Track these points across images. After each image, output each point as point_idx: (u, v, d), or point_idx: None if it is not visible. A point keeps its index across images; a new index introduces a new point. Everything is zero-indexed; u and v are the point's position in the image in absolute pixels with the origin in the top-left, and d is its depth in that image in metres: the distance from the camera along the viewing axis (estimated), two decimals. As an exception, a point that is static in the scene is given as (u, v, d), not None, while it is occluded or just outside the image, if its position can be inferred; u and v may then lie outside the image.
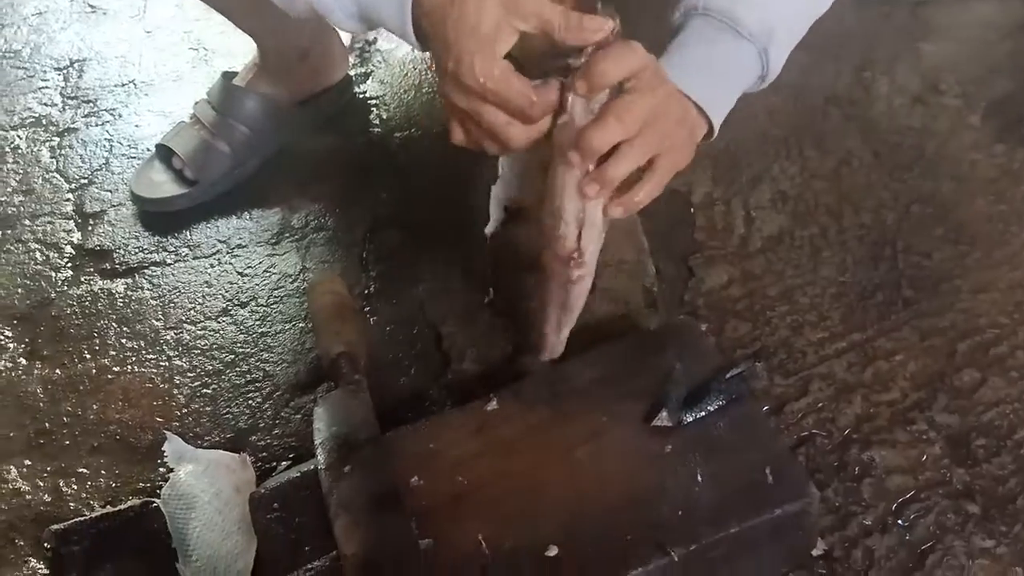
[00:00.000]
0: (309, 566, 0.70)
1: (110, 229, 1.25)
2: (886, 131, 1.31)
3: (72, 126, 1.43)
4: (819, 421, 0.99)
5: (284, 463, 0.95)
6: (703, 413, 0.73)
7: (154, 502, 0.92)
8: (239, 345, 1.09)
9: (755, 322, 1.08)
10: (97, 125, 1.43)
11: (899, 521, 0.90)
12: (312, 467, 0.76)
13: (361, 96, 1.42)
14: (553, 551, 0.67)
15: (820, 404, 1.00)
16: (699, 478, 0.69)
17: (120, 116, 1.45)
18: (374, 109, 1.40)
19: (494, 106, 0.71)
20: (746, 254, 1.16)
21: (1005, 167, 1.25)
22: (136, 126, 1.42)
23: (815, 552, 0.87)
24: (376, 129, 1.37)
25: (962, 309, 1.08)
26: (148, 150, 1.31)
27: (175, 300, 1.15)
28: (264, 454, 0.97)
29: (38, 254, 1.22)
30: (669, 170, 0.76)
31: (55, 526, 0.91)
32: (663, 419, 0.73)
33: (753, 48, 0.82)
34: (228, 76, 1.28)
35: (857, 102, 1.36)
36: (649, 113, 0.72)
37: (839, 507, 0.91)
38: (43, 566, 0.90)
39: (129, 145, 1.39)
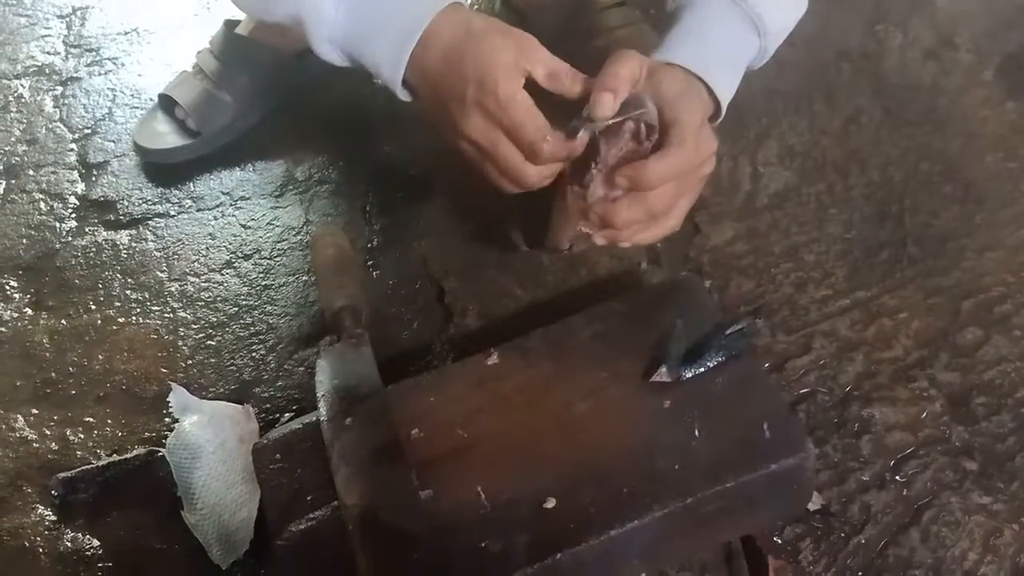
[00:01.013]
0: (311, 516, 0.70)
1: (114, 180, 1.25)
2: (897, 86, 1.29)
3: (75, 75, 1.42)
4: (820, 378, 0.99)
5: (287, 415, 0.96)
6: (703, 369, 0.73)
7: (159, 451, 0.93)
8: (243, 297, 1.09)
9: (759, 279, 1.08)
10: (100, 74, 1.42)
11: (897, 477, 0.91)
12: (314, 419, 0.77)
13: (365, 47, 1.40)
14: (551, 503, 0.68)
15: (822, 361, 1.00)
16: (696, 433, 0.70)
17: (123, 65, 1.43)
18: (378, 60, 1.38)
19: (509, 140, 0.73)
20: (752, 211, 1.15)
21: (1015, 124, 1.23)
22: (139, 75, 1.41)
23: (812, 507, 0.88)
24: (379, 81, 1.35)
25: (967, 268, 1.08)
26: (151, 100, 1.30)
27: (179, 252, 1.15)
28: (268, 406, 0.98)
29: (42, 204, 1.22)
30: (685, 211, 0.80)
31: (62, 474, 0.92)
32: (662, 375, 0.73)
33: (754, 27, 0.85)
34: (231, 25, 1.27)
35: (869, 56, 1.34)
36: (677, 173, 0.75)
37: (838, 463, 0.92)
38: (50, 513, 0.91)
39: (132, 95, 1.38)
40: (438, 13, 0.75)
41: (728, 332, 0.73)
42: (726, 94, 0.83)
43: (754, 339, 0.99)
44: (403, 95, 0.80)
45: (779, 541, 0.86)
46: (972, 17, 1.37)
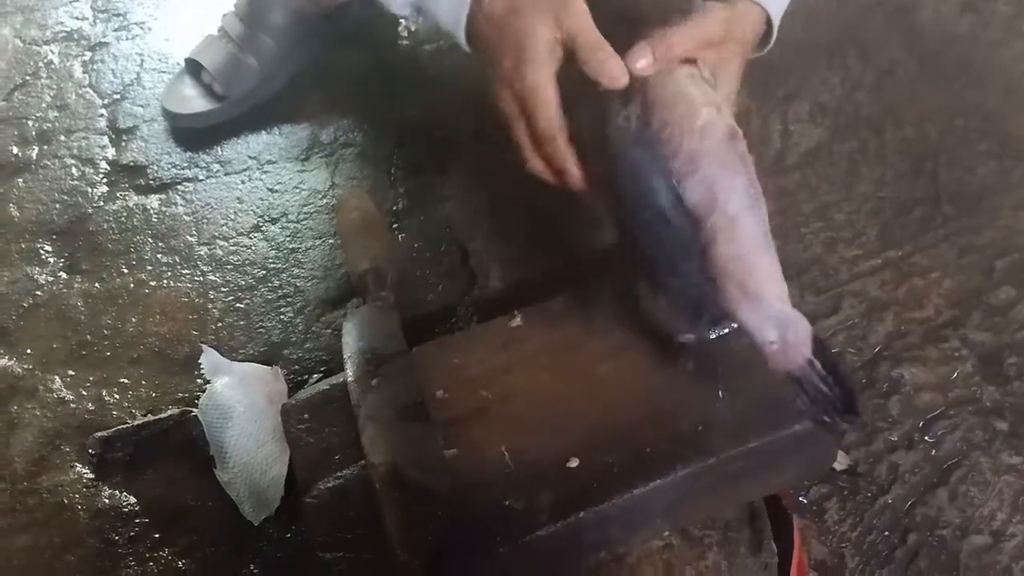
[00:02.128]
0: (339, 474, 0.72)
1: (143, 145, 1.26)
2: (933, 39, 1.26)
3: (103, 40, 1.43)
4: (850, 338, 0.98)
5: (315, 376, 0.97)
6: (727, 330, 0.73)
7: (192, 411, 0.95)
8: (271, 261, 1.10)
9: (788, 239, 1.07)
10: (128, 39, 1.43)
11: (926, 437, 0.90)
12: (341, 380, 0.77)
13: (389, 7, 1.39)
14: (574, 463, 0.68)
15: (851, 322, 0.99)
16: (720, 393, 0.69)
17: (150, 30, 1.44)
18: (402, 21, 1.37)
19: (525, 123, 0.75)
20: (782, 169, 1.14)
21: (1057, 77, 1.20)
22: (166, 39, 1.42)
23: (838, 467, 0.88)
24: (404, 42, 1.35)
25: (1002, 226, 1.06)
26: (178, 64, 1.31)
27: (208, 216, 1.16)
28: (296, 367, 0.99)
29: (74, 170, 1.24)
30: None
31: (99, 433, 0.94)
32: (686, 336, 0.73)
33: None
34: (255, -12, 1.26)
35: (904, 8, 1.30)
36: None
37: (866, 423, 0.92)
38: (88, 471, 0.93)
39: (160, 59, 1.39)
40: None
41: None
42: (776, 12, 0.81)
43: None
44: (468, 48, 0.81)
45: (804, 501, 0.86)
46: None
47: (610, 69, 0.71)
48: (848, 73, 1.23)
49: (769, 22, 0.81)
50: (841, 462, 0.88)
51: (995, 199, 1.08)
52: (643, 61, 0.71)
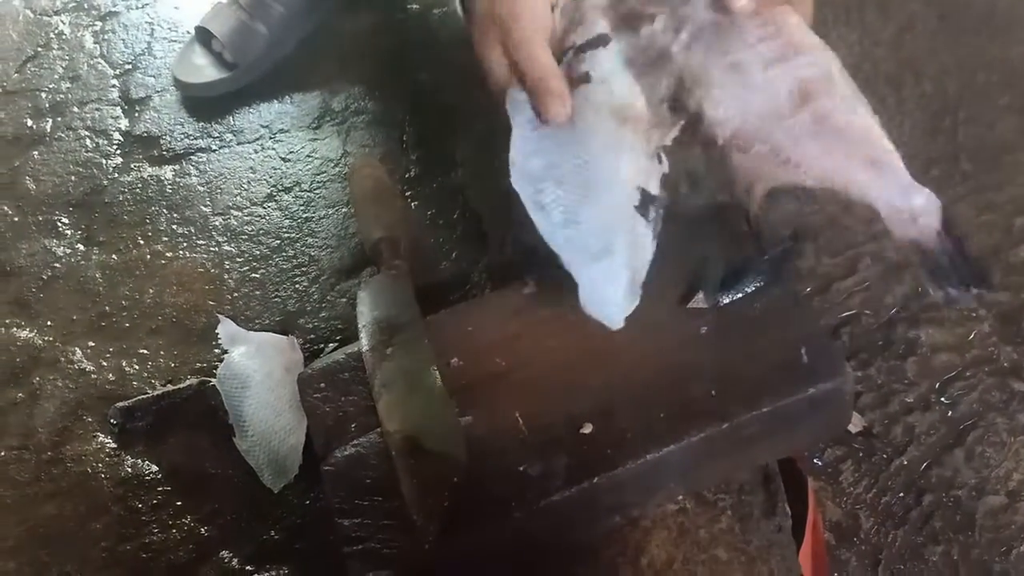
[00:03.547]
0: (355, 442, 0.72)
1: (156, 115, 1.26)
2: (954, -9, 1.23)
3: (113, 10, 1.42)
4: (866, 300, 0.98)
5: (331, 345, 0.98)
6: (740, 295, 0.72)
7: (211, 381, 0.96)
8: (285, 230, 1.10)
9: (803, 200, 1.05)
10: (137, 8, 1.42)
11: (942, 399, 0.90)
12: (356, 349, 0.78)
13: (399, -28, 1.38)
14: (588, 428, 0.69)
15: (867, 283, 0.99)
16: (733, 358, 0.69)
17: (159, -2, 1.43)
18: (412, -17, 1.36)
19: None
20: (797, 129, 1.12)
21: (1081, 30, 1.17)
22: (175, 8, 1.41)
23: (853, 429, 0.88)
24: (414, 7, 1.33)
25: (1022, 183, 1.04)
26: (188, 32, 1.30)
27: (222, 186, 1.16)
28: (312, 336, 1.00)
29: (88, 141, 1.24)
30: None
31: (120, 403, 0.96)
32: (699, 301, 0.72)
33: None
34: (263, -47, 1.25)
35: (924, -39, 1.27)
36: None
37: (881, 385, 0.92)
38: (110, 440, 0.95)
39: (170, 28, 1.38)
40: None
41: (766, 257, 0.72)
42: None
43: (793, 263, 0.98)
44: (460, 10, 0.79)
45: (819, 463, 0.86)
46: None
47: (552, 98, 0.67)
48: (866, 29, 1.21)
49: None
50: (856, 424, 0.88)
51: (1015, 155, 1.06)
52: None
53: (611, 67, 0.67)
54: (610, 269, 0.65)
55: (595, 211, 0.65)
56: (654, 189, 0.65)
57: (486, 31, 0.72)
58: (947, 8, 1.21)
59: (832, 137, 0.62)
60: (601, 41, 0.67)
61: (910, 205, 0.61)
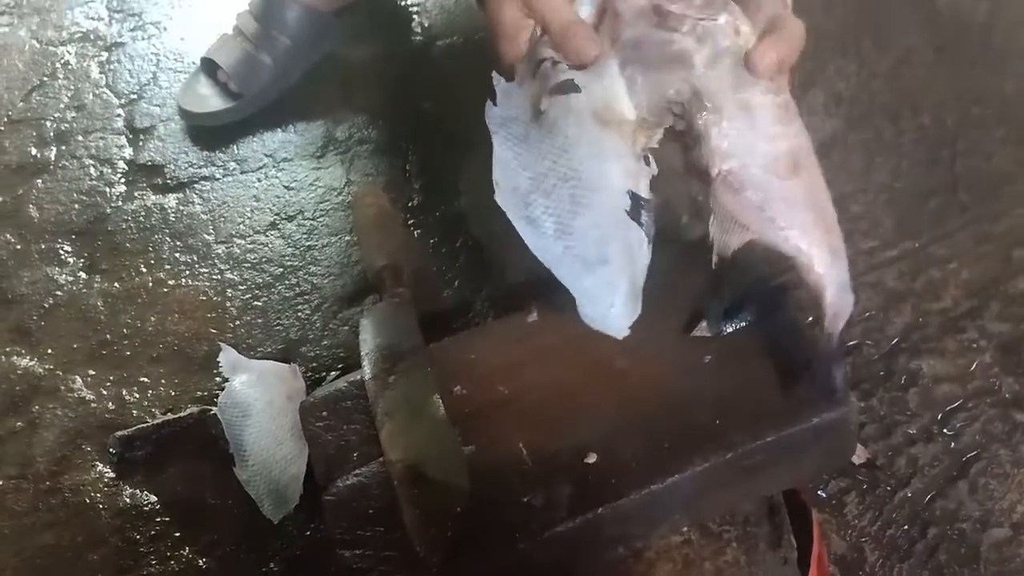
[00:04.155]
0: (357, 471, 0.72)
1: (160, 144, 1.27)
2: (950, 25, 1.24)
3: (119, 40, 1.44)
4: (867, 331, 0.98)
5: (333, 373, 0.98)
6: (744, 323, 0.72)
7: (212, 410, 0.96)
8: (287, 258, 1.11)
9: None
10: (143, 39, 1.43)
11: (945, 430, 0.90)
12: (359, 377, 0.78)
13: (403, 4, 1.39)
14: (592, 458, 0.68)
15: (868, 313, 0.99)
16: (737, 387, 0.69)
17: (165, 29, 1.45)
18: (416, 17, 1.37)
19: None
20: (797, 160, 1.13)
21: (1076, 63, 1.18)
22: (181, 39, 1.42)
23: (857, 461, 0.88)
24: (418, 38, 1.35)
25: (1020, 214, 1.05)
26: (194, 63, 1.32)
27: (225, 214, 1.17)
28: (314, 364, 1.00)
29: (92, 170, 1.25)
30: None
31: (119, 432, 0.95)
32: (703, 329, 0.72)
33: None
34: (269, -14, 1.27)
35: (920, -4, 1.29)
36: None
37: (884, 416, 0.91)
38: (109, 470, 0.95)
39: (175, 59, 1.39)
40: None
41: (770, 285, 0.72)
42: None
43: (795, 292, 0.98)
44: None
45: (823, 495, 0.86)
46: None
47: (580, 46, 0.64)
48: (864, 61, 1.22)
49: None
50: (860, 455, 0.88)
51: (1013, 187, 1.07)
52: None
53: (593, 71, 0.65)
54: (608, 278, 0.64)
55: (586, 220, 0.64)
56: (644, 192, 0.64)
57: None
58: (943, 41, 1.23)
59: (815, 213, 0.64)
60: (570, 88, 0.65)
61: (840, 302, 0.65)
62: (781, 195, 0.64)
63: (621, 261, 0.64)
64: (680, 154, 0.68)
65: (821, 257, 0.64)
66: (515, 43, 0.68)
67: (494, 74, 0.67)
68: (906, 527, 0.84)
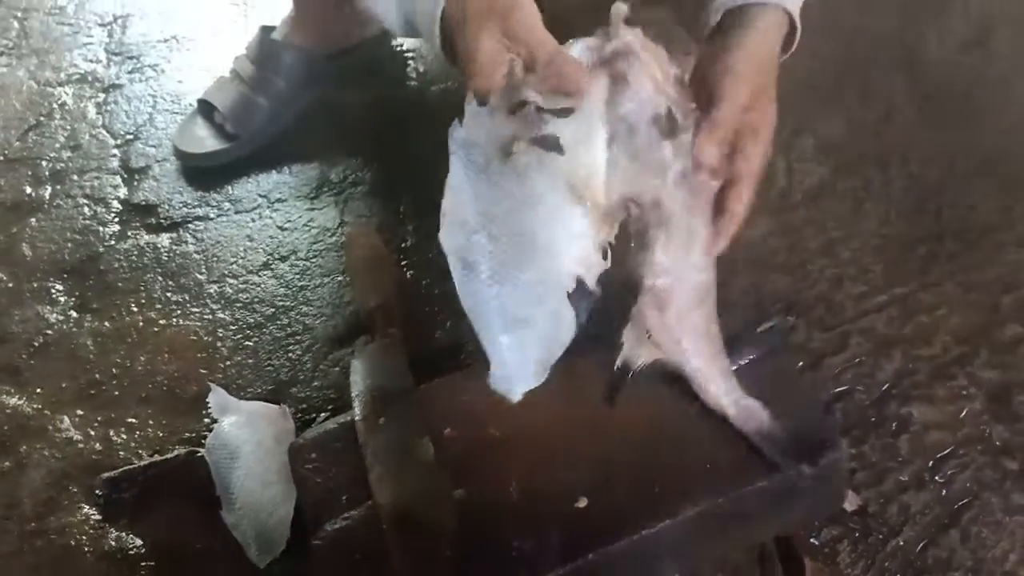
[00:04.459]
0: (346, 515, 0.72)
1: (155, 184, 1.28)
2: (934, 80, 1.27)
3: (117, 82, 1.45)
4: (857, 376, 0.98)
5: (323, 414, 0.97)
6: (735, 368, 0.73)
7: (199, 451, 0.94)
8: (279, 299, 1.11)
9: (794, 275, 1.07)
10: (141, 81, 1.45)
11: (936, 477, 0.90)
12: (349, 418, 0.78)
13: (398, 48, 1.41)
14: (583, 503, 0.68)
15: (859, 359, 0.99)
16: (729, 433, 0.69)
17: (163, 72, 1.46)
18: (411, 61, 1.39)
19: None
20: (787, 206, 1.14)
21: (1056, 117, 1.21)
22: (179, 81, 1.44)
23: (849, 508, 0.87)
24: (413, 82, 1.37)
25: (1007, 262, 1.06)
26: (190, 105, 1.33)
27: (218, 254, 1.17)
28: (304, 405, 0.99)
29: (86, 209, 1.25)
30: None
31: (106, 474, 0.94)
32: (694, 375, 0.73)
33: None
34: (266, 30, 1.29)
35: (905, 50, 1.32)
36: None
37: (875, 463, 0.91)
38: (95, 512, 0.93)
39: (172, 100, 1.41)
40: None
41: (760, 330, 0.72)
42: (796, 12, 0.79)
43: (786, 336, 0.99)
44: (439, 44, 0.77)
45: (816, 542, 0.85)
46: (1010, 10, 1.35)
47: (569, 75, 0.62)
48: (851, 112, 1.25)
49: (792, 22, 0.78)
50: (852, 502, 0.87)
51: (998, 236, 1.08)
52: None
53: (581, 135, 0.62)
54: (525, 340, 0.64)
55: (530, 277, 0.63)
56: (591, 283, 0.64)
57: (481, 24, 0.68)
58: (928, 95, 1.25)
59: (711, 341, 0.71)
60: (564, 113, 0.62)
61: (744, 411, 0.71)
62: (692, 323, 0.70)
63: (544, 330, 0.64)
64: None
65: (715, 378, 0.71)
66: (491, 79, 0.65)
67: (469, 94, 0.65)
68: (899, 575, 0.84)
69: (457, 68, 0.75)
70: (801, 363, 0.99)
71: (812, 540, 0.85)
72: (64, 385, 1.05)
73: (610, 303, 0.66)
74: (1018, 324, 1.00)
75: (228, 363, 1.05)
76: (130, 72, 1.46)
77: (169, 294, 1.13)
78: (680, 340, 0.70)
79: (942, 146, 1.19)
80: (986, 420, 0.93)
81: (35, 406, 1.03)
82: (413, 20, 0.81)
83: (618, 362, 0.68)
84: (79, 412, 1.02)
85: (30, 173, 1.31)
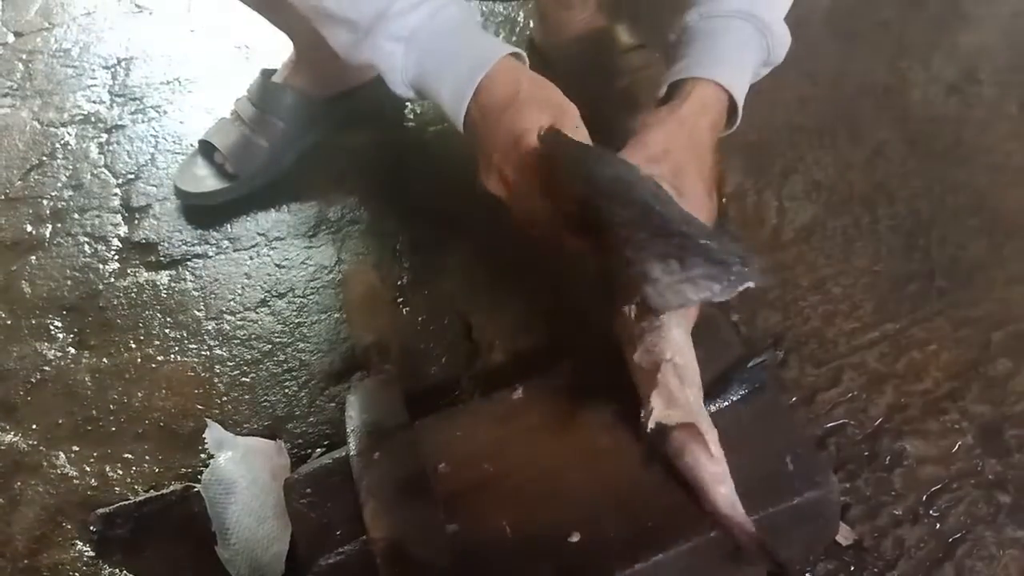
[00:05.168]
0: (340, 550, 0.72)
1: (155, 223, 1.29)
2: (921, 120, 1.29)
3: (119, 123, 1.48)
4: (850, 411, 0.99)
5: (319, 450, 0.98)
6: (725, 403, 0.74)
7: (195, 487, 0.95)
8: (276, 335, 1.11)
9: (787, 312, 1.08)
10: (143, 122, 1.47)
11: (930, 511, 0.90)
12: (344, 454, 0.78)
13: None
14: (575, 537, 0.68)
15: (851, 394, 1.00)
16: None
17: (165, 113, 1.49)
18: (409, 104, 1.42)
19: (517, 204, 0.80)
20: (778, 244, 1.16)
21: (1043, 157, 1.23)
22: (181, 122, 1.46)
23: (844, 542, 0.87)
24: (411, 123, 1.39)
25: (997, 299, 1.07)
26: (192, 146, 1.35)
27: (216, 291, 1.18)
28: (300, 441, 1.00)
29: (87, 247, 1.27)
30: None
31: (100, 510, 0.94)
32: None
33: (760, 35, 0.87)
34: (267, 73, 1.31)
35: (892, 91, 1.34)
36: None
37: (869, 497, 0.91)
38: (89, 548, 0.93)
39: (174, 141, 1.43)
40: (495, 65, 0.79)
41: (750, 365, 0.73)
42: (735, 87, 0.86)
43: (776, 371, 1.00)
44: (462, 130, 0.85)
45: (810, 577, 0.85)
46: (994, 52, 1.37)
47: None
48: (840, 153, 1.26)
49: (732, 101, 0.85)
50: (847, 537, 0.88)
51: (988, 273, 1.10)
52: None
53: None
54: None
55: None
56: None
57: (486, 159, 0.76)
58: (916, 136, 1.27)
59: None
60: None
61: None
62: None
63: None
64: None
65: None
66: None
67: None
68: (894, 611, 0.84)
69: (474, 143, 0.80)
70: (793, 398, 0.99)
71: (807, 574, 0.85)
72: (60, 421, 1.05)
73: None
74: (1008, 359, 1.01)
75: (225, 399, 1.05)
76: (133, 113, 1.49)
77: (167, 331, 1.14)
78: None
79: (931, 184, 1.21)
80: (978, 454, 0.94)
81: (30, 442, 1.03)
82: (425, 90, 0.86)
83: (651, 424, 0.68)
84: (75, 448, 1.02)
85: (31, 212, 1.32)
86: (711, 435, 0.67)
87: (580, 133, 0.78)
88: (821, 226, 1.17)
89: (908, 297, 1.09)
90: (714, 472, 0.66)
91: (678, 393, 0.68)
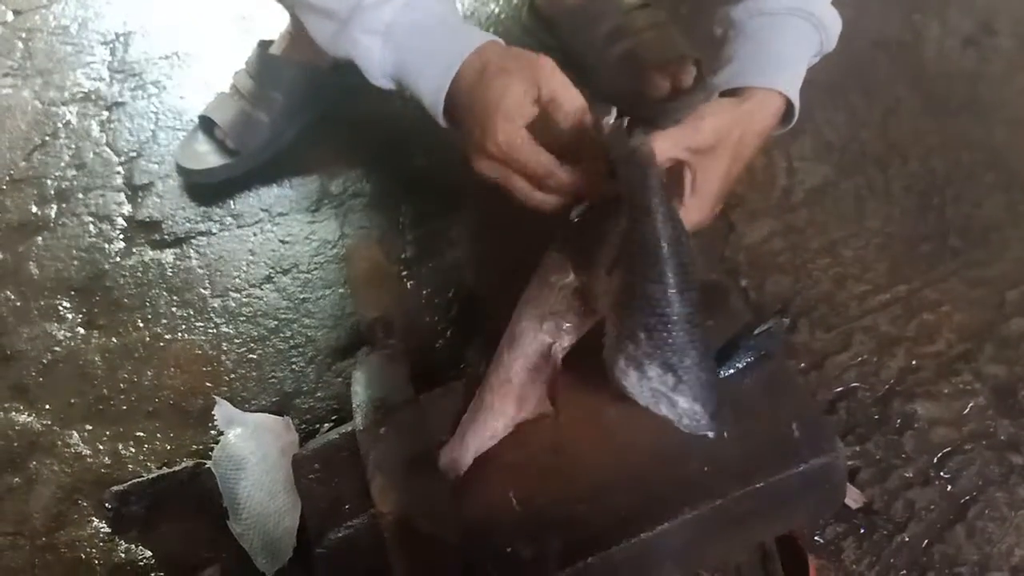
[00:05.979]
0: (348, 523, 0.72)
1: (158, 200, 1.29)
2: (937, 76, 1.27)
3: (119, 100, 1.47)
4: (861, 375, 0.98)
5: (326, 425, 0.98)
6: (732, 370, 0.73)
7: (206, 464, 0.95)
8: (282, 311, 1.11)
9: (797, 276, 1.07)
10: (143, 98, 1.46)
11: (941, 473, 0.90)
12: (351, 429, 0.78)
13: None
14: (583, 507, 0.68)
15: (862, 357, 0.99)
16: (726, 434, 0.69)
17: (165, 88, 1.47)
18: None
19: (519, 175, 0.77)
20: (788, 206, 1.14)
21: (1060, 110, 1.20)
22: (181, 98, 1.45)
23: (854, 505, 0.87)
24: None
25: (1012, 257, 1.05)
26: (192, 121, 1.34)
27: (221, 268, 1.18)
28: (308, 416, 1.00)
29: (92, 227, 1.26)
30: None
31: (115, 487, 0.95)
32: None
33: (815, 31, 0.87)
34: (264, 45, 1.30)
35: (906, 46, 1.31)
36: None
37: (880, 460, 0.91)
38: (104, 525, 0.94)
39: (174, 117, 1.42)
40: (468, 56, 0.78)
41: (756, 332, 0.72)
42: (793, 92, 0.85)
43: (783, 338, 0.99)
44: (446, 124, 0.83)
45: (820, 540, 0.85)
46: (1011, 4, 1.34)
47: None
48: (853, 111, 1.24)
49: (789, 102, 0.83)
50: (857, 500, 0.87)
51: (1003, 232, 1.08)
52: None
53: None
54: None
55: None
56: None
57: (469, 141, 0.76)
58: (931, 92, 1.25)
59: None
60: None
61: None
62: None
63: None
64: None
65: None
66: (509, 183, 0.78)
67: None
68: (904, 572, 0.83)
69: (457, 133, 0.79)
70: (803, 363, 0.98)
71: (816, 538, 0.85)
72: (73, 401, 1.06)
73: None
74: (1023, 319, 1.00)
75: (233, 376, 1.05)
76: (132, 90, 1.48)
77: (174, 309, 1.14)
78: None
79: (945, 143, 1.18)
80: (991, 416, 0.93)
81: (44, 422, 1.04)
82: (404, 80, 0.84)
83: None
84: (88, 427, 1.03)
85: (36, 192, 1.32)
86: None
87: (558, 78, 0.76)
88: (833, 187, 1.15)
89: (921, 258, 1.07)
90: None
91: None
